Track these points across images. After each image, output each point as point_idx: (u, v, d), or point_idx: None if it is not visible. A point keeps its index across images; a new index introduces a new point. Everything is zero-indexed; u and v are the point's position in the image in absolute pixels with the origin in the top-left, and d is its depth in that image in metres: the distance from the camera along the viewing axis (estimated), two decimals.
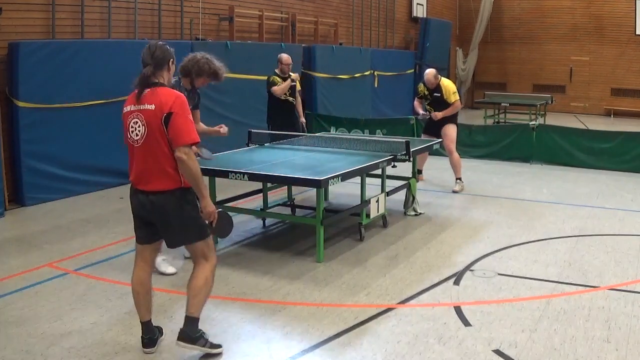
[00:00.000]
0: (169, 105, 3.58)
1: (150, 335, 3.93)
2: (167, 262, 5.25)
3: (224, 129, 5.47)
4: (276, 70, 8.31)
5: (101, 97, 8.36)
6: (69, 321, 4.35)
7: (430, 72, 8.69)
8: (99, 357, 3.84)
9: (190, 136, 3.60)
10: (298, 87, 8.60)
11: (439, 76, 8.72)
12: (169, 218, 3.70)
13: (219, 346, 3.92)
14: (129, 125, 3.68)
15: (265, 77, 8.38)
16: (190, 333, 3.80)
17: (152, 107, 3.61)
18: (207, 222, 3.77)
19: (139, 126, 3.63)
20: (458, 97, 8.75)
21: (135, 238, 3.92)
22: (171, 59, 3.86)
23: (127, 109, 3.73)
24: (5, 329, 4.23)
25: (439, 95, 8.58)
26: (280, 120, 8.19)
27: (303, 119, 8.73)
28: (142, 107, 3.64)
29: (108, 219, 7.10)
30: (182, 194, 3.70)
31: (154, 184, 3.66)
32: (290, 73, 8.44)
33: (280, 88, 8.12)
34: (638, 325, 4.27)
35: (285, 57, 8.36)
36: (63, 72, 7.94)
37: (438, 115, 8.54)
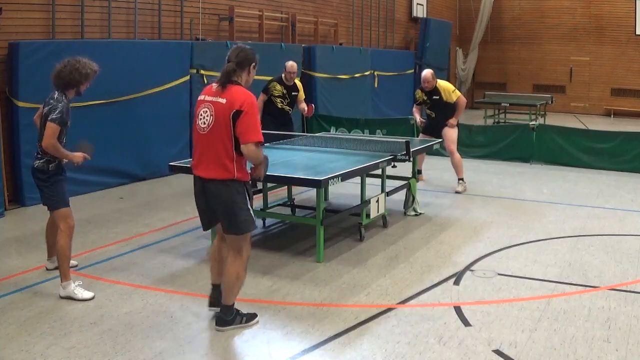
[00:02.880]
0: (239, 103, 3.87)
1: (216, 297, 4.34)
2: (82, 287, 4.84)
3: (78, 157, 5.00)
4: (282, 76, 8.33)
5: (101, 97, 8.36)
6: (69, 321, 4.35)
7: (427, 71, 8.68)
8: (99, 357, 3.84)
9: (257, 136, 3.90)
10: (302, 95, 8.59)
11: (435, 78, 8.70)
12: (219, 206, 4.03)
13: (254, 316, 4.30)
14: (199, 112, 4.01)
15: (265, 78, 8.38)
16: (225, 317, 4.18)
17: (224, 101, 3.91)
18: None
19: (207, 115, 3.95)
20: (460, 93, 8.71)
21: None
22: (253, 64, 4.09)
23: (201, 97, 4.05)
24: (5, 329, 4.23)
25: (438, 97, 8.55)
26: (270, 123, 8.13)
27: (305, 107, 8.68)
28: (215, 99, 3.95)
29: (108, 219, 7.10)
30: (234, 186, 3.98)
31: (210, 172, 3.98)
32: (296, 81, 8.44)
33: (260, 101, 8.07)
34: (638, 325, 4.27)
35: (289, 64, 8.34)
36: None
37: (453, 122, 8.50)
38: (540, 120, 16.10)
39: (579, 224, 6.95)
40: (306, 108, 8.67)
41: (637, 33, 19.53)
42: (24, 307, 4.59)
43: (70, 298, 4.71)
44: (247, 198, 4.06)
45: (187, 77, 9.86)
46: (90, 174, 8.33)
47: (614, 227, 6.82)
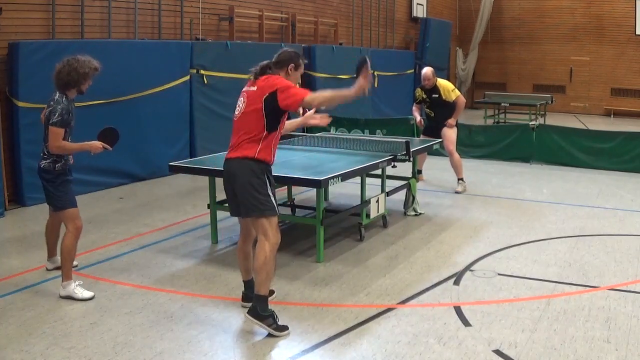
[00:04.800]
0: (269, 86, 4.11)
1: (248, 293, 4.44)
2: (82, 287, 4.82)
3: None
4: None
5: (101, 97, 8.35)
6: (69, 321, 4.35)
7: (427, 69, 8.67)
8: (99, 357, 3.84)
9: (302, 93, 4.09)
10: None
11: (435, 77, 8.69)
12: (237, 186, 4.15)
13: (285, 328, 4.16)
14: (236, 104, 4.28)
15: None
16: (260, 310, 4.10)
17: (255, 88, 4.18)
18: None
19: (241, 102, 4.22)
20: (459, 93, 8.70)
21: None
22: (292, 65, 4.28)
23: (243, 89, 4.32)
24: (5, 329, 4.23)
25: (437, 96, 8.55)
26: None
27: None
28: (250, 88, 4.23)
29: (108, 219, 7.10)
30: (253, 166, 4.12)
31: (234, 152, 4.18)
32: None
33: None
34: (638, 325, 4.27)
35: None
36: None
37: (452, 122, 8.50)
38: (540, 120, 16.11)
39: (579, 224, 6.95)
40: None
41: (637, 33, 19.52)
42: (24, 307, 4.59)
43: (70, 298, 4.71)
44: (267, 184, 4.16)
45: (187, 77, 9.86)
46: (90, 174, 8.33)
47: (614, 227, 6.82)
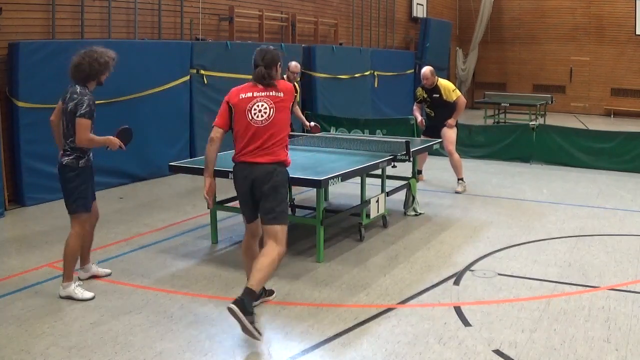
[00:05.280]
0: (290, 91, 4.41)
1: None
2: (82, 287, 4.81)
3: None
4: (284, 77, 8.30)
5: (101, 97, 8.31)
6: (69, 321, 4.35)
7: (426, 68, 8.67)
8: (99, 357, 3.84)
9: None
10: (297, 98, 8.62)
11: (436, 76, 8.68)
12: (267, 190, 4.22)
13: (260, 334, 4.01)
14: (251, 108, 4.25)
15: None
16: (247, 305, 3.99)
17: (282, 94, 4.31)
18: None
19: (265, 108, 4.25)
20: (460, 93, 8.70)
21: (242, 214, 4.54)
22: (279, 62, 4.40)
23: (246, 95, 4.31)
24: (5, 329, 4.23)
25: (438, 96, 8.55)
26: None
27: (308, 124, 8.88)
28: (270, 93, 4.30)
29: (108, 219, 7.09)
30: (286, 170, 4.32)
31: (265, 158, 4.22)
32: (295, 84, 8.46)
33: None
34: (638, 325, 4.27)
35: (294, 64, 8.39)
36: (63, 72, 7.83)
37: (451, 122, 8.50)
38: (540, 120, 16.10)
39: (579, 224, 6.95)
40: (304, 120, 8.91)
41: (637, 33, 19.53)
42: (24, 307, 4.59)
43: (70, 298, 4.71)
44: (289, 190, 4.45)
45: (187, 77, 9.86)
46: None
47: (614, 227, 6.82)
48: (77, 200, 4.73)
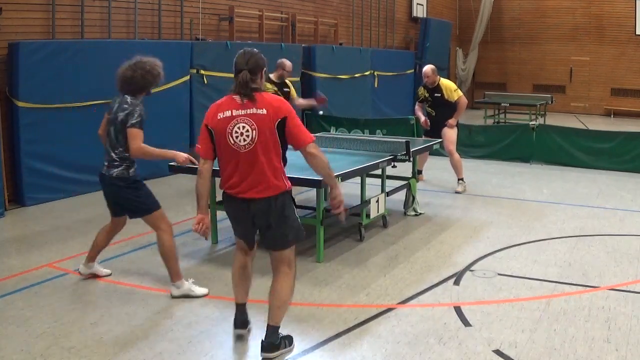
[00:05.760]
0: (282, 111, 3.65)
1: (243, 317, 4.09)
2: (195, 283, 4.90)
3: None
4: (271, 75, 8.20)
5: (101, 97, 8.34)
6: (69, 321, 4.35)
7: (428, 66, 8.66)
8: (99, 357, 3.84)
9: (309, 134, 3.75)
10: (293, 93, 8.45)
11: (438, 75, 8.68)
12: (271, 223, 3.75)
13: (291, 339, 3.98)
14: (231, 130, 3.63)
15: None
16: (274, 341, 3.83)
17: (264, 111, 3.62)
18: (336, 212, 3.87)
19: (247, 131, 3.61)
20: (461, 93, 8.69)
21: (234, 234, 4.13)
22: (265, 68, 3.78)
23: (224, 114, 3.66)
24: (5, 329, 4.23)
25: (439, 95, 8.55)
26: None
27: (313, 99, 8.79)
28: (250, 111, 3.63)
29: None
30: (284, 199, 3.77)
31: (260, 191, 3.68)
32: (287, 81, 8.37)
33: None
34: (638, 325, 4.27)
35: (289, 64, 8.30)
36: (63, 72, 7.94)
37: (452, 122, 8.49)
38: (540, 120, 16.11)
39: (579, 224, 6.95)
40: (314, 99, 8.75)
41: (637, 33, 19.53)
42: (24, 307, 4.59)
43: (186, 296, 4.70)
44: (295, 206, 3.89)
45: (187, 77, 9.86)
46: (90, 174, 8.31)
47: (614, 227, 6.82)
48: (144, 202, 4.78)
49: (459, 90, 8.65)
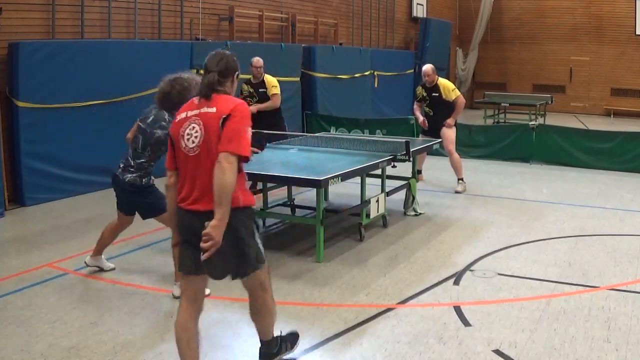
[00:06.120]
0: (230, 108, 3.16)
1: None
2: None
3: None
4: (251, 76, 8.13)
5: (101, 97, 8.37)
6: (69, 321, 4.35)
7: (428, 65, 8.69)
8: (99, 357, 3.84)
9: (244, 148, 3.12)
10: (271, 91, 8.13)
11: (437, 75, 8.69)
12: (222, 246, 3.08)
13: (296, 336, 3.87)
14: (184, 133, 3.21)
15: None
16: (270, 350, 3.67)
17: (214, 110, 3.18)
18: (203, 246, 3.05)
19: (195, 131, 3.18)
20: (459, 93, 8.70)
21: (178, 267, 3.46)
22: (237, 72, 3.38)
23: (182, 115, 3.29)
24: (5, 329, 4.23)
25: (437, 95, 8.56)
26: (256, 125, 8.04)
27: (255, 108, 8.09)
28: (201, 110, 3.22)
29: (108, 219, 7.05)
30: (239, 216, 3.18)
31: (206, 203, 3.12)
32: (266, 78, 8.16)
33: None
34: (638, 326, 4.27)
35: (255, 59, 8.10)
36: (63, 72, 7.94)
37: (450, 122, 8.49)
38: (540, 120, 16.10)
39: (579, 224, 6.95)
40: (262, 108, 8.10)
41: (637, 33, 19.53)
42: (23, 307, 4.59)
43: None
44: (256, 229, 3.34)
45: None
46: (90, 174, 8.33)
47: (614, 227, 6.82)
48: (155, 203, 4.86)
49: (456, 90, 8.65)
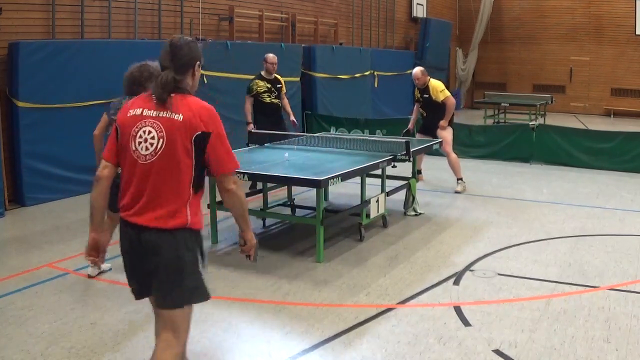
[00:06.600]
0: (203, 122, 2.81)
1: None
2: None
3: None
4: (262, 72, 8.27)
5: (101, 97, 8.34)
6: (69, 321, 4.35)
7: (417, 68, 8.78)
8: (99, 357, 3.84)
9: (235, 161, 2.95)
10: (284, 89, 8.52)
11: (428, 76, 8.73)
12: (159, 267, 2.83)
13: None
14: (135, 134, 2.85)
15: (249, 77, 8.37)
16: None
17: (180, 117, 2.79)
18: (246, 255, 3.12)
19: (152, 138, 2.81)
20: (448, 94, 8.70)
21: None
22: (198, 62, 2.95)
23: (135, 112, 2.88)
24: (5, 329, 4.23)
25: (428, 96, 8.62)
26: (265, 121, 8.16)
27: (293, 118, 8.67)
28: (163, 114, 2.82)
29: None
30: (184, 237, 2.86)
31: (150, 217, 2.82)
32: (276, 75, 8.35)
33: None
34: (638, 326, 4.27)
35: (270, 56, 8.29)
36: (63, 72, 7.94)
37: (443, 124, 8.49)
38: (540, 120, 16.10)
39: (579, 224, 6.95)
40: (291, 113, 8.64)
41: (637, 33, 19.53)
42: (24, 307, 4.59)
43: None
44: (201, 256, 2.94)
45: None
46: (90, 174, 8.29)
47: (614, 227, 6.82)
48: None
49: (445, 91, 8.66)
